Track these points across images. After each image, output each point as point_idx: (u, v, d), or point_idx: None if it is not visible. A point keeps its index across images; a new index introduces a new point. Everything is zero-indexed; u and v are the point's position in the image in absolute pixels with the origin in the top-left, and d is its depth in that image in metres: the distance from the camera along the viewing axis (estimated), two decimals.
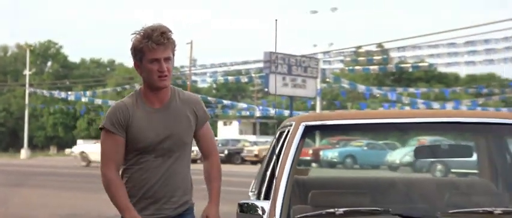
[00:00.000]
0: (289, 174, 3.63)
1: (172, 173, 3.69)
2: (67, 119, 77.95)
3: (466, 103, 43.91)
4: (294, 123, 3.99)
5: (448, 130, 4.64)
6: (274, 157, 4.40)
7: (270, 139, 53.47)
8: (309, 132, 3.95)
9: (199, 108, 3.78)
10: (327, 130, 4.57)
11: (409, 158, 26.87)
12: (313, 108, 41.93)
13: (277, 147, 4.43)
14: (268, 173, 4.41)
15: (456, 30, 37.70)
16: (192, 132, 3.74)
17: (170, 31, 3.56)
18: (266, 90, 37.34)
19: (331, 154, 30.62)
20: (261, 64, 38.91)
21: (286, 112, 40.12)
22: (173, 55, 3.62)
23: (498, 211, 3.45)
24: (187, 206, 3.78)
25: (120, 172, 3.73)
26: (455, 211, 3.50)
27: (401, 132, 5.29)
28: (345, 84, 44.17)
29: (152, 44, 3.48)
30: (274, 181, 3.67)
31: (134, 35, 3.59)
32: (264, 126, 66.71)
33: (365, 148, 30.56)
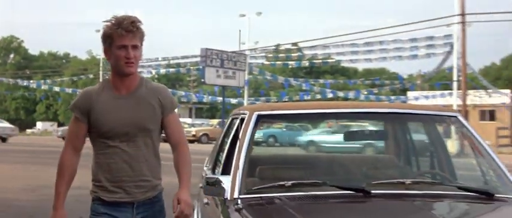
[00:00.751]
0: (246, 154, 3.65)
1: (137, 159, 3.28)
2: (28, 104, 77.22)
3: (363, 92, 44.87)
4: (248, 112, 4.00)
5: (367, 118, 4.79)
6: (230, 139, 4.49)
7: (204, 121, 53.78)
8: (260, 119, 3.95)
9: (165, 96, 3.35)
10: (275, 118, 4.59)
11: (306, 139, 27.73)
12: (242, 95, 42.14)
13: (232, 130, 4.50)
14: (225, 152, 4.41)
15: (356, 33, 38.74)
16: (158, 120, 3.32)
17: (140, 21, 3.23)
18: (202, 80, 37.36)
19: (257, 134, 30.70)
20: (197, 59, 39.00)
21: (219, 99, 40.32)
22: (141, 45, 3.25)
23: (408, 181, 3.58)
24: (157, 191, 3.38)
25: (92, 159, 3.38)
26: (377, 182, 3.57)
27: (333, 119, 5.42)
28: (268, 76, 44.48)
29: (121, 31, 3.14)
30: (234, 159, 3.66)
31: (106, 23, 3.22)
32: (199, 111, 66.66)
33: (284, 129, 30.87)
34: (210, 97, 48.86)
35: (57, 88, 54.22)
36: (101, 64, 51.32)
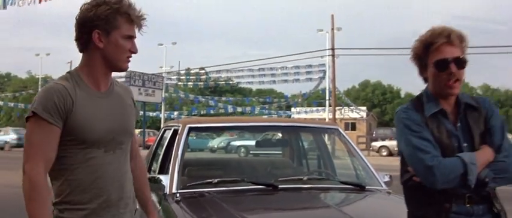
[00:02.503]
0: (181, 157, 3.63)
1: (124, 171, 2.17)
2: None
3: (257, 108, 45.47)
4: (181, 125, 3.98)
5: (273, 129, 4.96)
6: (165, 146, 4.45)
7: None
8: (191, 130, 3.96)
9: (133, 97, 2.31)
10: (202, 130, 4.65)
11: (223, 144, 27.55)
12: (159, 109, 41.48)
13: (165, 139, 4.49)
14: (161, 156, 4.32)
15: (252, 60, 39.34)
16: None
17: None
18: None
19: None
20: (122, 79, 38.24)
21: (140, 113, 39.47)
22: None
23: (305, 178, 3.70)
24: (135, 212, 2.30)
25: (54, 175, 2.05)
26: (282, 178, 3.64)
27: (246, 131, 5.54)
28: (181, 94, 44.15)
29: (135, 18, 2.08)
30: (171, 161, 3.62)
31: (99, 2, 2.04)
32: None
33: (194, 137, 30.63)
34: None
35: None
36: (40, 83, 48.98)
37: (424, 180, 2.13)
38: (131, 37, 2.10)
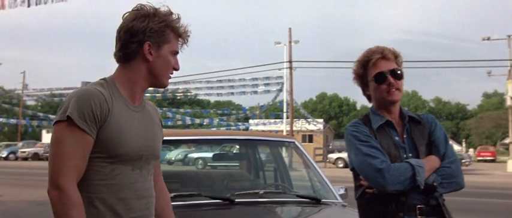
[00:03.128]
0: None
1: (149, 194, 1.98)
2: None
3: (215, 120, 45.39)
4: None
5: (227, 142, 4.93)
6: None
7: None
8: (164, 143, 3.89)
9: (161, 119, 2.14)
10: (175, 143, 4.59)
11: (180, 156, 27.27)
12: None
13: None
14: None
15: (211, 72, 39.32)
16: None
17: None
18: None
19: None
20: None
21: None
22: None
23: (261, 191, 3.65)
24: None
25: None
26: (239, 192, 3.57)
27: (203, 144, 5.49)
28: None
29: (184, 34, 1.97)
30: None
31: (149, 14, 1.90)
32: None
33: None
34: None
35: None
36: None
37: (374, 184, 2.22)
38: (177, 53, 1.99)
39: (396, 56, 2.37)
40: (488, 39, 35.70)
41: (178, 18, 1.96)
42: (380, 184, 2.19)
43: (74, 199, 1.74)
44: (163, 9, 1.94)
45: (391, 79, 2.30)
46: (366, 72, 2.36)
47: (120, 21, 1.94)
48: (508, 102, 32.83)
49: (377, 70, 2.31)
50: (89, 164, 1.82)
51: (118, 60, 1.96)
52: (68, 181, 1.75)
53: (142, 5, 1.94)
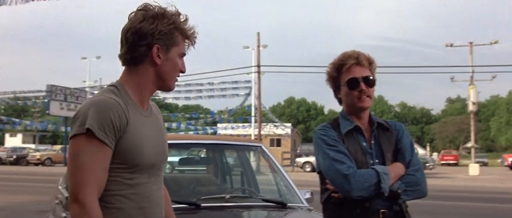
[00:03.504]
0: None
1: (162, 201, 1.97)
2: None
3: (183, 124, 45.12)
4: None
5: (195, 147, 4.89)
6: None
7: (48, 147, 49.88)
8: None
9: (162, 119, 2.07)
10: None
11: None
12: None
13: None
14: None
15: (179, 76, 39.28)
16: None
17: None
18: (47, 111, 35.26)
19: None
20: (43, 93, 36.95)
21: (62, 128, 38.26)
22: None
23: (228, 196, 3.63)
24: None
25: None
26: (205, 197, 3.55)
27: (170, 148, 5.39)
28: None
29: (192, 36, 1.92)
30: None
31: (158, 15, 1.83)
32: (43, 137, 61.95)
33: None
34: (53, 126, 45.89)
35: None
36: None
37: (340, 189, 2.24)
38: (184, 55, 1.93)
39: (370, 63, 2.40)
40: (451, 45, 36.60)
41: (186, 20, 1.89)
42: (345, 190, 2.22)
43: (94, 214, 1.68)
44: (170, 9, 1.86)
45: (363, 86, 2.33)
46: (339, 76, 2.38)
47: (124, 22, 1.86)
48: (470, 107, 33.65)
49: (350, 76, 2.34)
50: (115, 174, 1.78)
51: (124, 63, 1.88)
52: (88, 195, 1.68)
53: (149, 4, 1.86)
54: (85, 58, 41.82)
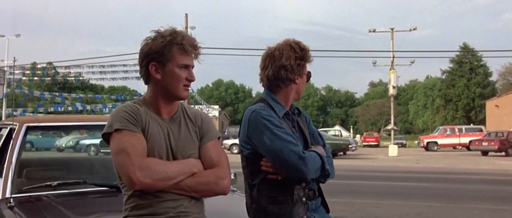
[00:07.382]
0: (17, 158, 3.37)
1: (185, 209, 2.10)
2: None
3: (108, 106, 43.93)
4: (17, 123, 3.68)
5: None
6: None
7: None
8: (29, 130, 3.69)
9: (205, 126, 2.24)
10: (40, 129, 4.31)
11: (71, 143, 26.03)
12: (1, 106, 38.05)
13: (0, 139, 4.12)
14: None
15: (104, 56, 37.98)
16: (197, 151, 2.18)
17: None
18: None
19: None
20: None
21: None
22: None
23: None
24: None
25: (124, 200, 2.12)
26: None
27: (87, 130, 5.21)
28: (25, 90, 40.91)
29: (188, 47, 2.11)
30: (6, 163, 3.34)
31: (156, 37, 2.11)
32: None
33: (40, 136, 28.58)
34: None
35: None
36: None
37: (294, 171, 2.21)
38: (187, 66, 2.14)
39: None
40: (374, 31, 37.95)
41: (182, 35, 2.12)
42: (302, 172, 2.20)
43: (151, 163, 1.99)
44: (171, 29, 2.14)
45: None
46: (302, 65, 2.44)
47: None
48: (391, 91, 35.14)
49: (308, 69, 2.49)
50: None
51: (144, 83, 2.20)
52: (144, 172, 1.95)
53: (159, 29, 2.14)
54: (3, 36, 39.49)
